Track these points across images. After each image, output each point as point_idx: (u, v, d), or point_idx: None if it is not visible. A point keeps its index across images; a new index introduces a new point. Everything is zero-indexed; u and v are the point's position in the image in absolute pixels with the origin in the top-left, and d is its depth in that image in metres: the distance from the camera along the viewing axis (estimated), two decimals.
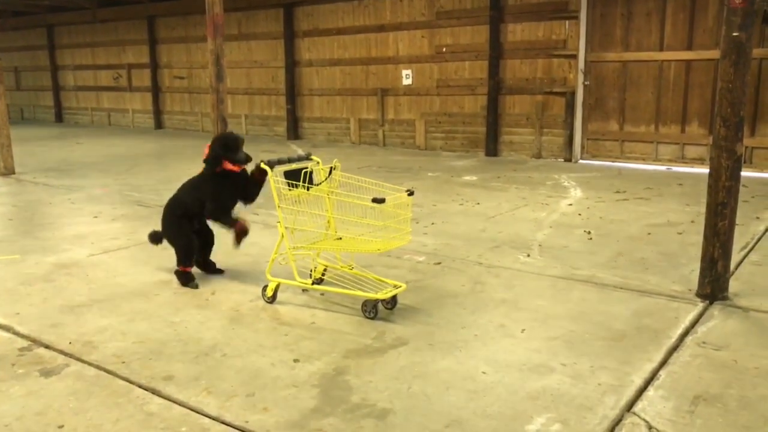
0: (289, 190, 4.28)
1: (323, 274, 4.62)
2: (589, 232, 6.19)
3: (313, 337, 3.89)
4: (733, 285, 4.56)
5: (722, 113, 4.14)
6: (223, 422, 2.97)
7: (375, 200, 3.93)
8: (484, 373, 3.40)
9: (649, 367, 3.42)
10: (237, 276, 5.04)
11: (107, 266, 5.32)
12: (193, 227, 4.83)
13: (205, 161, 4.67)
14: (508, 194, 8.11)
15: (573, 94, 10.78)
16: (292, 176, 4.31)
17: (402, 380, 3.32)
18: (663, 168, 10.15)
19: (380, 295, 4.14)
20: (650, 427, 2.87)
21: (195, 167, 9.07)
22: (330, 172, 4.44)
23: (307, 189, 4.33)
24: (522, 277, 4.97)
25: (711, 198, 4.28)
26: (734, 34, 4.02)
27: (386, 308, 4.24)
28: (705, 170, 9.70)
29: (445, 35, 12.07)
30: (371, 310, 4.13)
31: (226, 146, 4.61)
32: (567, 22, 10.70)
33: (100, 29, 18.21)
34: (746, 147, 9.58)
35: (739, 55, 4.04)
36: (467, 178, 9.45)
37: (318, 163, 4.50)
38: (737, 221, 6.24)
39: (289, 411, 3.03)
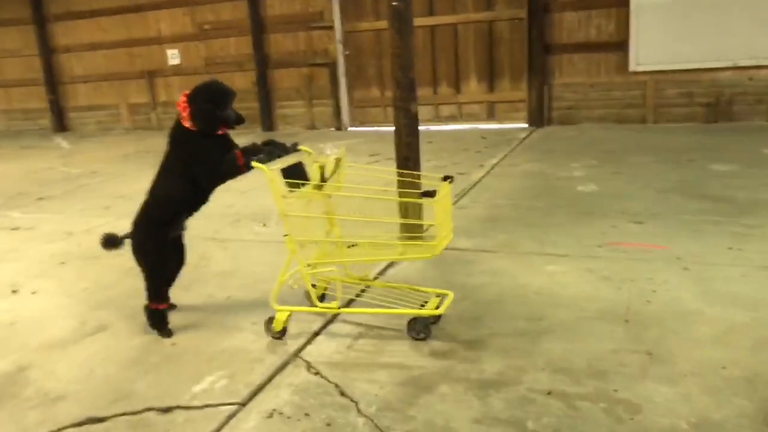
0: (290, 191, 3.46)
1: (325, 291, 3.83)
2: (330, 196, 6.53)
3: (7, 337, 3.77)
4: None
5: (395, 76, 4.57)
6: None
7: (425, 194, 3.24)
8: (173, 344, 3.53)
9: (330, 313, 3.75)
10: None
11: None
12: (174, 231, 3.73)
13: (193, 118, 3.42)
14: None
15: (335, 64, 11.15)
16: (290, 174, 3.50)
17: (86, 366, 3.35)
18: (422, 128, 10.88)
19: (431, 311, 3.38)
20: (309, 366, 3.18)
21: None
22: (336, 164, 3.62)
23: (319, 188, 3.51)
24: (250, 247, 5.17)
25: (397, 153, 4.73)
26: (394, 3, 4.43)
27: (430, 323, 3.43)
28: (456, 127, 10.68)
29: (207, 12, 11.86)
30: (423, 329, 3.34)
31: (213, 101, 3.42)
32: None
33: None
34: (488, 102, 10.61)
35: (401, 22, 4.47)
36: None
37: (310, 154, 3.66)
38: (464, 171, 6.96)
39: None
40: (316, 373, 3.11)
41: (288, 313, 3.50)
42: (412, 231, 4.38)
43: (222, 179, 3.53)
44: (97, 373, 3.27)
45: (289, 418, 2.75)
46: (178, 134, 3.52)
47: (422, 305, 3.46)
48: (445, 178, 3.30)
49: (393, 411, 2.74)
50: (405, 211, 4.50)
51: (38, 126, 13.91)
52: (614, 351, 3.10)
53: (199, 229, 5.65)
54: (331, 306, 3.53)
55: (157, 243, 3.59)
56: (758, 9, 8.73)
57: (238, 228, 5.71)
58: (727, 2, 8.82)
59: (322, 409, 2.79)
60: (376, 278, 4.06)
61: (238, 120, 3.51)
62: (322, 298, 3.71)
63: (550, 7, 9.74)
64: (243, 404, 2.89)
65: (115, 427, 2.78)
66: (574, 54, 9.83)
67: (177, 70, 12.37)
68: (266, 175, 3.30)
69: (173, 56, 12.28)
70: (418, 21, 10.47)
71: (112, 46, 12.73)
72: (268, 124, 11.74)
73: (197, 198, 3.62)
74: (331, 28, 11.00)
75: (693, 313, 3.45)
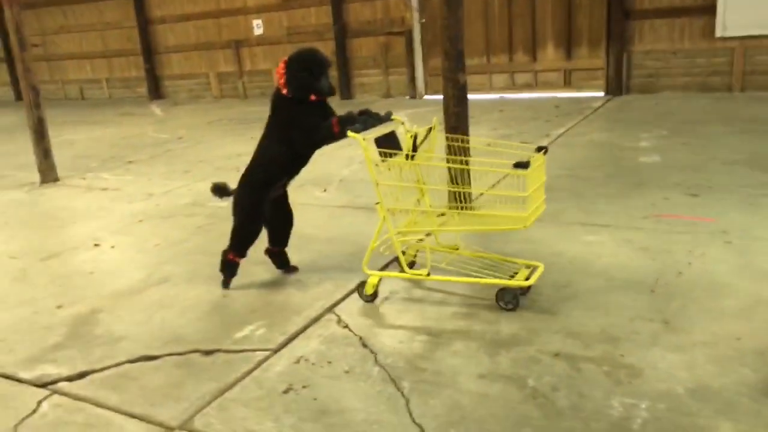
0: (383, 160, 3.47)
1: (415, 257, 3.93)
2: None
3: (85, 285, 4.26)
4: None
5: (444, 47, 4.67)
6: None
7: (518, 165, 3.12)
8: (225, 296, 3.89)
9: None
10: (51, 237, 5.30)
11: None
12: (275, 192, 3.89)
13: (287, 85, 3.56)
14: None
15: (411, 32, 11.24)
16: (383, 143, 3.50)
17: (148, 312, 3.77)
18: (496, 96, 10.84)
19: (521, 282, 3.38)
20: (339, 320, 3.44)
21: (53, 140, 8.45)
22: (428, 134, 3.63)
23: (411, 157, 3.52)
24: (308, 210, 5.46)
25: (445, 123, 4.86)
26: None
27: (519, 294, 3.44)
28: (531, 95, 10.54)
29: None
30: (512, 300, 3.36)
31: (305, 68, 3.55)
32: None
33: None
34: (564, 70, 10.40)
35: None
36: None
37: (403, 123, 3.71)
38: (528, 140, 6.97)
39: (31, 349, 3.42)
40: (345, 327, 3.37)
41: (379, 277, 3.64)
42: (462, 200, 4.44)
43: (318, 145, 3.68)
44: (156, 318, 3.68)
45: (313, 364, 3.03)
46: (276, 100, 3.70)
47: (512, 276, 3.46)
48: (539, 149, 3.29)
49: (406, 363, 2.96)
50: (453, 178, 4.60)
51: (136, 94, 14.87)
52: (631, 319, 3.17)
53: None
54: (420, 272, 3.58)
55: (253, 203, 3.81)
56: None
57: (301, 192, 6.01)
58: None
59: (344, 358, 3.05)
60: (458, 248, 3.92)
61: (330, 91, 3.62)
62: (411, 264, 3.79)
63: None
64: (275, 351, 3.19)
65: (163, 365, 3.16)
66: (657, 19, 9.44)
67: (260, 40, 12.84)
68: (360, 143, 3.38)
69: (258, 26, 12.75)
70: None
71: (201, 16, 13.37)
72: (346, 92, 12.03)
73: (296, 162, 3.80)
74: None
75: (723, 286, 3.43)
